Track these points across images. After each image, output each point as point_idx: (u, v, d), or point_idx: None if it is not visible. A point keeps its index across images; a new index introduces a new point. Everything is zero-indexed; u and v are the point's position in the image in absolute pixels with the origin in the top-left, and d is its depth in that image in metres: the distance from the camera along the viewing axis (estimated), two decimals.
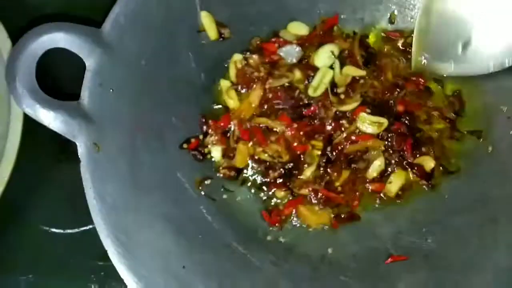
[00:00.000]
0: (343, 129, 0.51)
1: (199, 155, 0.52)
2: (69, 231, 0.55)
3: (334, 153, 0.51)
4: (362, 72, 0.52)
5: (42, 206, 0.56)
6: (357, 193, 0.51)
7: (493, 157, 0.50)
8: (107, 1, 0.47)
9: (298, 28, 0.55)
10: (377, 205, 0.51)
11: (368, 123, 0.50)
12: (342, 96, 0.52)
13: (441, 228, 0.48)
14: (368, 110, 0.51)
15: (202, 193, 0.51)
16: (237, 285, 0.45)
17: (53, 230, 0.55)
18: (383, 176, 0.51)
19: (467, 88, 0.53)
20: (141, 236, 0.43)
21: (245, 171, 0.52)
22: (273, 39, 0.55)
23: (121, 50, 0.45)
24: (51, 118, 0.42)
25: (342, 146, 0.51)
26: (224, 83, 0.54)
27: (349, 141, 0.51)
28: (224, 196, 0.52)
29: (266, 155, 0.52)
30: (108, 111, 0.45)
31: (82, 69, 0.44)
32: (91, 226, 0.54)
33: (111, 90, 0.45)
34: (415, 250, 0.48)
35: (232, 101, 0.54)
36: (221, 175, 0.52)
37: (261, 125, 0.52)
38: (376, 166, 0.50)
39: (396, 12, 0.55)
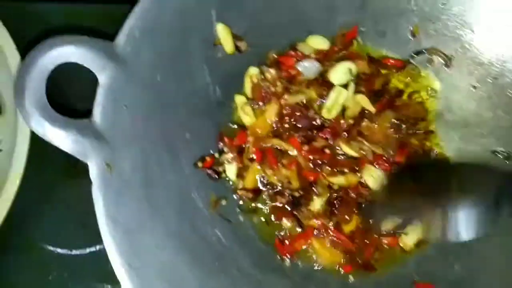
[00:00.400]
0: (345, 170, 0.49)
1: (214, 174, 0.50)
2: (76, 252, 0.52)
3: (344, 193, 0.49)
4: (372, 108, 0.50)
5: (48, 225, 0.53)
6: (370, 246, 0.48)
7: None
8: (120, 12, 0.45)
9: (318, 42, 0.53)
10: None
11: (373, 177, 0.48)
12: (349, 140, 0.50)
13: (469, 254, 0.46)
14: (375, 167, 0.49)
15: (217, 214, 0.48)
16: None
17: (59, 250, 0.52)
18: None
19: None
20: (155, 260, 0.41)
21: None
22: (291, 52, 0.53)
23: (135, 64, 0.43)
24: (61, 138, 0.39)
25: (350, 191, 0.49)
26: (239, 99, 0.52)
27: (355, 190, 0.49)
28: (241, 218, 0.50)
29: (275, 178, 0.50)
30: (121, 129, 0.42)
31: (95, 84, 0.42)
32: (99, 247, 0.52)
33: (124, 107, 0.43)
34: (441, 277, 0.46)
35: (247, 118, 0.52)
36: (238, 196, 0.49)
37: (274, 146, 0.50)
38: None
39: (419, 25, 0.53)
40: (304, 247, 0.49)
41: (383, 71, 0.53)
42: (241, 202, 0.50)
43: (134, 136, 0.43)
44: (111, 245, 0.39)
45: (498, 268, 0.44)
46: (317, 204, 0.49)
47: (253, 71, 0.52)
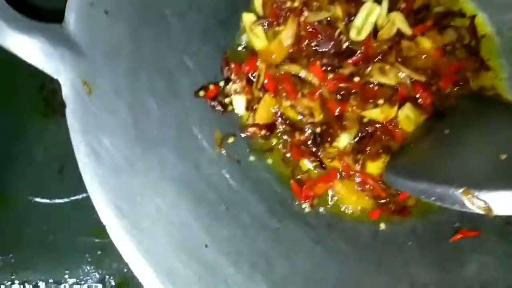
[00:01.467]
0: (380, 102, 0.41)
1: (219, 106, 0.42)
2: (57, 201, 0.46)
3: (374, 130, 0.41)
4: (408, 30, 0.42)
5: (23, 171, 0.46)
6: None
7: None
8: None
9: None
10: None
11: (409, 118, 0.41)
12: (383, 65, 0.41)
13: None
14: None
15: (224, 153, 0.40)
16: (273, 266, 0.35)
17: (38, 200, 0.46)
18: None
19: None
20: (150, 205, 0.33)
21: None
22: None
23: None
24: (24, 45, 0.31)
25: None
26: (247, 18, 0.43)
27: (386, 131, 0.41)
28: (251, 158, 0.42)
29: (294, 111, 0.42)
30: (101, 41, 0.34)
31: None
32: (84, 195, 0.45)
33: (104, 12, 0.33)
34: (488, 223, 0.39)
35: (258, 41, 0.43)
36: (249, 134, 0.41)
37: (292, 73, 0.42)
38: None
39: None
40: (326, 191, 0.41)
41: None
42: (252, 140, 0.42)
43: (118, 51, 0.35)
44: (94, 182, 0.31)
45: None
46: (344, 140, 0.41)
47: None
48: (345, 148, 0.41)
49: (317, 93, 0.42)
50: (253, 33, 0.43)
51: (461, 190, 0.34)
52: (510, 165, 0.34)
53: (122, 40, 0.35)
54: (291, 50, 0.43)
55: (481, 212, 0.33)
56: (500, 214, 0.33)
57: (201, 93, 0.41)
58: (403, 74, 0.41)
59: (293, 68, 0.42)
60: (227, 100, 0.42)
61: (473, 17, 0.45)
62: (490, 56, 0.45)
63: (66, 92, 0.32)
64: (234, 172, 0.40)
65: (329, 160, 0.42)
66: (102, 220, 0.32)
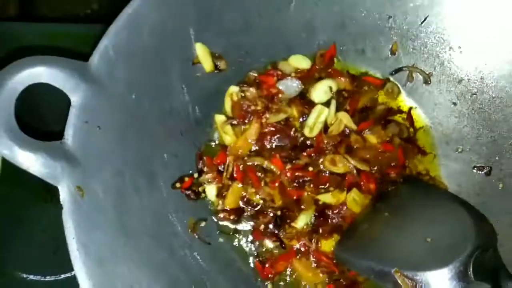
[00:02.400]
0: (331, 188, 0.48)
1: (193, 195, 0.48)
2: (50, 278, 0.50)
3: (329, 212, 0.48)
4: (354, 126, 0.50)
5: (19, 250, 0.51)
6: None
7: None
8: (95, 32, 0.44)
9: (300, 61, 0.52)
10: None
11: (356, 201, 0.48)
12: (331, 156, 0.49)
13: None
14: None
15: (196, 236, 0.47)
16: None
17: (32, 277, 0.50)
18: None
19: None
20: None
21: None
22: (271, 72, 0.52)
23: (110, 84, 0.42)
24: (30, 161, 0.38)
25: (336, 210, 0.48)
26: (218, 118, 0.51)
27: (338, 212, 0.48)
28: (220, 240, 0.48)
29: (258, 197, 0.49)
30: (94, 151, 0.41)
31: (67, 105, 0.41)
32: (74, 273, 0.50)
33: (98, 128, 0.41)
34: None
35: (227, 137, 0.51)
36: (220, 218, 0.48)
37: (256, 164, 0.49)
38: None
39: (398, 43, 0.53)
40: (286, 268, 0.47)
41: (366, 88, 0.53)
42: (221, 223, 0.49)
43: (108, 157, 0.42)
44: (82, 273, 0.37)
45: None
46: (302, 221, 0.48)
47: (234, 89, 0.51)
48: (302, 229, 0.48)
49: (277, 182, 0.49)
50: (223, 131, 0.51)
51: (393, 270, 0.40)
52: (432, 248, 0.40)
53: (112, 148, 0.42)
54: (255, 145, 0.50)
55: None
56: None
57: (178, 184, 0.48)
58: (351, 165, 0.48)
59: (257, 160, 0.50)
60: (200, 189, 0.49)
61: (410, 109, 0.53)
62: (427, 146, 0.53)
63: (64, 196, 0.38)
64: (204, 254, 0.46)
65: (288, 240, 0.48)
66: None
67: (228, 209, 0.49)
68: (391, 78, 0.54)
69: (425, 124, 0.53)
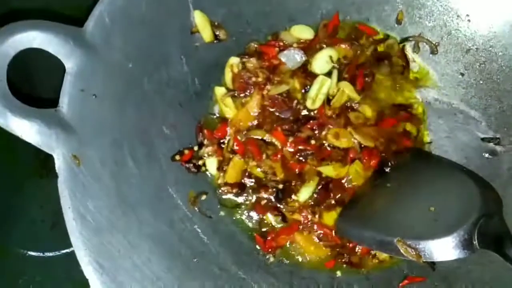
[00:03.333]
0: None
1: (193, 168, 0.47)
2: (49, 254, 0.50)
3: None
4: (357, 96, 0.48)
5: (18, 226, 0.50)
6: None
7: None
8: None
9: (302, 31, 0.51)
10: None
11: (358, 173, 0.47)
12: (336, 130, 0.48)
13: None
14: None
15: (197, 210, 0.46)
16: None
17: (31, 253, 0.50)
18: None
19: None
20: (128, 261, 0.38)
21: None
22: (273, 42, 0.51)
23: (106, 51, 0.41)
24: (24, 128, 0.37)
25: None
26: (218, 90, 0.50)
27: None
28: (222, 214, 0.47)
29: (259, 171, 0.48)
30: (90, 119, 0.40)
31: (62, 72, 0.39)
32: (73, 249, 0.49)
33: (93, 96, 0.40)
34: (431, 270, 0.44)
35: (228, 110, 0.49)
36: (222, 192, 0.47)
37: (257, 138, 0.48)
38: None
39: (403, 12, 0.51)
40: (288, 242, 0.46)
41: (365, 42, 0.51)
42: (224, 197, 0.48)
43: (105, 127, 0.41)
44: (79, 243, 0.36)
45: (490, 259, 0.42)
46: (304, 193, 0.46)
47: (234, 60, 0.50)
48: (305, 202, 0.47)
49: (279, 155, 0.48)
50: (223, 103, 0.50)
51: (395, 240, 0.39)
52: (436, 217, 0.39)
53: (108, 117, 0.41)
54: (256, 118, 0.49)
55: (413, 258, 0.38)
56: (426, 260, 0.38)
57: (177, 157, 0.47)
58: (354, 140, 0.47)
59: (258, 133, 0.48)
60: (200, 162, 0.48)
61: (403, 47, 0.51)
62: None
63: (59, 165, 0.37)
64: (205, 227, 0.45)
65: (291, 213, 0.47)
66: (85, 275, 0.36)
67: (231, 183, 0.48)
68: (391, 34, 0.52)
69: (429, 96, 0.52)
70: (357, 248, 0.45)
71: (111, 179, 0.40)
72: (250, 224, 0.47)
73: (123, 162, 0.41)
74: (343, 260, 0.45)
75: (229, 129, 0.49)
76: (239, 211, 0.48)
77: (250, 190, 0.48)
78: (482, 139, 0.49)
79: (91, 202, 0.38)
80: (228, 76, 0.50)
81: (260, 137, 0.48)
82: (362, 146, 0.47)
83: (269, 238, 0.46)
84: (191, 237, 0.44)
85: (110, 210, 0.39)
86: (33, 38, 0.38)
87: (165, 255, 0.40)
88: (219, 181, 0.48)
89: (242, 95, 0.49)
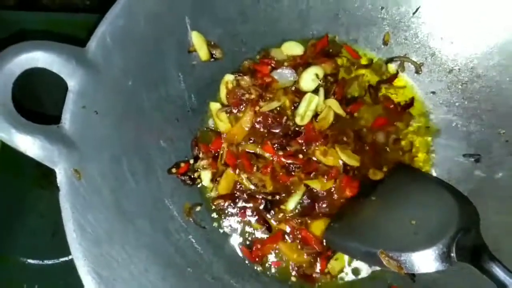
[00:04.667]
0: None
1: (189, 180, 0.49)
2: (48, 262, 0.51)
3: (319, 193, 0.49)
4: (343, 113, 0.51)
5: (18, 235, 0.52)
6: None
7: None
8: (92, 18, 0.45)
9: (293, 48, 0.53)
10: None
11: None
12: (324, 148, 0.50)
13: None
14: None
15: (191, 220, 0.48)
16: None
17: (30, 261, 0.51)
18: None
19: None
20: (125, 271, 0.40)
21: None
22: (265, 60, 0.53)
23: (107, 69, 0.43)
24: (28, 144, 0.38)
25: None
26: (213, 106, 0.52)
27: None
28: (214, 224, 0.49)
29: (249, 183, 0.50)
30: (91, 135, 0.42)
31: (65, 90, 0.41)
32: (71, 257, 0.51)
33: (95, 113, 0.42)
34: (416, 280, 0.46)
35: (222, 124, 0.52)
36: (216, 206, 0.49)
37: (249, 151, 0.50)
38: None
39: (390, 34, 0.54)
40: (273, 250, 0.48)
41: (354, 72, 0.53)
42: (216, 208, 0.50)
43: (105, 142, 0.43)
44: (78, 253, 0.38)
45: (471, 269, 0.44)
46: (291, 203, 0.49)
47: (229, 77, 0.52)
48: (291, 211, 0.49)
49: (269, 168, 0.50)
50: (218, 118, 0.52)
51: (378, 251, 0.41)
52: (417, 230, 0.42)
53: (108, 133, 0.43)
54: (249, 132, 0.52)
55: (395, 270, 0.40)
56: (407, 272, 0.40)
57: (174, 170, 0.49)
58: (340, 161, 0.49)
59: (250, 147, 0.51)
60: (195, 175, 0.50)
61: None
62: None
63: (60, 179, 0.39)
64: (199, 237, 0.47)
65: (277, 223, 0.49)
66: (84, 285, 0.38)
67: (223, 195, 0.50)
68: (376, 58, 0.54)
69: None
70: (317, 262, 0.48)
71: (110, 192, 0.42)
72: (237, 235, 0.49)
73: (122, 176, 0.43)
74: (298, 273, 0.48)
75: (224, 143, 0.51)
76: (228, 222, 0.50)
77: (241, 201, 0.50)
78: (464, 155, 0.52)
79: (91, 214, 0.40)
80: (223, 93, 0.52)
81: (251, 151, 0.50)
82: (347, 167, 0.49)
83: (254, 248, 0.48)
84: (186, 247, 0.46)
85: (109, 222, 0.41)
86: (37, 58, 0.40)
87: (161, 264, 0.42)
88: (212, 193, 0.50)
89: (235, 110, 0.52)
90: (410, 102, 0.53)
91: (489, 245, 0.41)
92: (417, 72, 0.54)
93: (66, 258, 0.52)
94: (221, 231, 0.49)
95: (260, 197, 0.49)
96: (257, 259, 0.48)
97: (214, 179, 0.50)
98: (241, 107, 0.52)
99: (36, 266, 0.51)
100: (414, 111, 0.54)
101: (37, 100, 0.50)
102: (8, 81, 0.38)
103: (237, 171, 0.50)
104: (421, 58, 0.54)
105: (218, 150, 0.51)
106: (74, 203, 0.39)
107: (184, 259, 0.44)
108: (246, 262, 0.48)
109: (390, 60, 0.54)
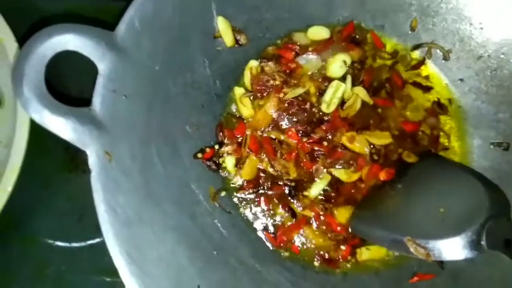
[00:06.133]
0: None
1: (214, 166, 0.50)
2: (75, 244, 0.52)
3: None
4: (370, 101, 0.51)
5: (47, 218, 0.53)
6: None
7: None
8: (120, 3, 0.45)
9: (320, 32, 0.53)
10: None
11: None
12: (351, 133, 0.49)
13: None
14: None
15: (217, 205, 0.48)
16: None
17: (58, 243, 0.52)
18: None
19: None
20: (154, 251, 0.41)
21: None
22: (289, 45, 0.53)
23: (135, 54, 0.43)
24: (60, 125, 0.39)
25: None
26: (238, 90, 0.52)
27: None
28: (240, 210, 0.49)
29: (272, 169, 0.50)
30: (121, 118, 0.42)
31: (95, 73, 0.42)
32: (98, 240, 0.52)
33: (124, 96, 0.43)
34: (444, 268, 0.46)
35: (245, 109, 0.52)
36: (239, 190, 0.50)
37: (273, 137, 0.50)
38: None
39: (417, 19, 0.53)
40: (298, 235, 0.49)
41: (379, 61, 0.53)
42: (240, 195, 0.50)
43: (134, 125, 0.43)
44: (110, 234, 0.39)
45: (499, 258, 0.44)
46: (315, 189, 0.49)
47: (253, 63, 0.52)
48: (315, 198, 0.49)
49: (293, 154, 0.50)
50: (242, 103, 0.52)
51: (405, 238, 0.41)
52: (445, 218, 0.41)
53: (137, 117, 0.44)
54: (273, 118, 0.51)
55: (423, 257, 0.40)
56: (436, 259, 0.40)
57: (199, 155, 0.49)
58: (367, 148, 0.49)
59: (274, 133, 0.51)
60: (220, 160, 0.50)
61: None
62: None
63: (92, 161, 0.40)
64: (225, 221, 0.47)
65: (301, 209, 0.49)
66: (115, 265, 0.39)
67: (247, 181, 0.50)
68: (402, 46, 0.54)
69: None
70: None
71: (139, 175, 0.43)
72: (262, 220, 0.50)
73: (150, 160, 0.44)
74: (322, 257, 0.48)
75: (248, 128, 0.51)
76: (252, 207, 0.50)
77: (264, 186, 0.50)
78: (492, 143, 0.51)
79: (121, 196, 0.41)
80: (247, 78, 0.52)
81: (276, 137, 0.50)
82: (374, 156, 0.49)
83: (279, 233, 0.48)
84: (212, 231, 0.46)
85: (138, 204, 0.41)
86: (68, 40, 0.40)
87: (188, 247, 0.43)
88: (236, 178, 0.50)
89: (259, 96, 0.52)
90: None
91: None
92: (445, 58, 0.53)
93: (92, 241, 0.52)
94: (245, 217, 0.49)
95: (284, 183, 0.49)
96: (281, 244, 0.48)
97: (238, 165, 0.50)
98: (265, 93, 0.51)
99: (64, 248, 0.52)
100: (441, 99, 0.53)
101: (63, 83, 0.50)
102: (41, 63, 0.39)
103: (261, 157, 0.50)
104: (449, 45, 0.53)
105: (242, 135, 0.51)
106: (105, 184, 0.40)
107: (210, 242, 0.45)
108: (270, 247, 0.48)
109: (417, 46, 0.53)
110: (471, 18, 0.51)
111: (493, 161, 0.50)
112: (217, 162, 0.50)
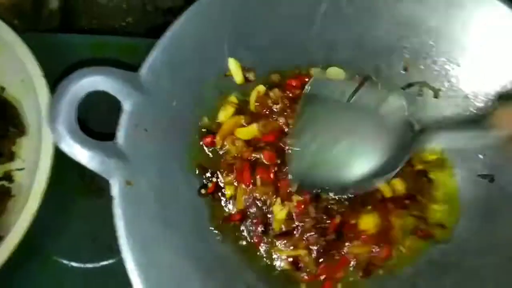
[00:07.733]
0: None
1: (222, 197, 0.52)
2: (89, 265, 0.55)
3: None
4: None
5: (63, 239, 0.56)
6: None
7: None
8: (134, 43, 0.50)
9: (338, 73, 0.57)
10: None
11: None
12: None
13: (456, 270, 0.50)
14: None
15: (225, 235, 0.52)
16: None
17: (73, 264, 0.55)
18: None
19: None
20: (170, 276, 0.44)
21: None
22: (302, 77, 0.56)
23: (155, 92, 0.48)
24: (89, 158, 0.43)
25: None
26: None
27: None
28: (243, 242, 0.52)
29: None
30: (141, 150, 0.46)
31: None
32: (111, 261, 0.55)
33: (144, 130, 0.47)
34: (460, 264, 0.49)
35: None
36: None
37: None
38: None
39: (409, 61, 0.58)
40: None
41: None
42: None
43: (152, 156, 0.47)
44: (129, 257, 0.42)
45: (483, 282, 0.47)
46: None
47: (261, 88, 0.55)
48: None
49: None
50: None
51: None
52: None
53: (154, 149, 0.48)
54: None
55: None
56: None
57: (202, 191, 0.51)
58: None
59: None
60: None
61: None
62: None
63: (115, 189, 0.44)
64: (236, 248, 0.50)
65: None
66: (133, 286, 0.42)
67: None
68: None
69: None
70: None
71: (155, 202, 0.46)
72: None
73: (165, 188, 0.48)
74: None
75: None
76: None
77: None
78: (478, 175, 0.55)
79: (139, 222, 0.44)
80: (252, 99, 0.55)
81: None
82: None
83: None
84: (224, 258, 0.49)
85: (154, 230, 0.45)
86: (98, 81, 0.45)
87: (201, 273, 0.46)
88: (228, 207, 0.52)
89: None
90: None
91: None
92: (435, 97, 0.58)
93: (105, 262, 0.55)
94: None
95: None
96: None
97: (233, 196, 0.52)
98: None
99: (79, 269, 0.55)
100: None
101: (90, 120, 0.54)
102: (74, 102, 0.43)
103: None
104: (439, 84, 0.57)
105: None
106: (126, 211, 0.44)
107: (223, 269, 0.48)
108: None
109: (410, 85, 0.58)
110: (458, 60, 0.56)
111: (482, 192, 0.54)
112: (223, 192, 0.52)
